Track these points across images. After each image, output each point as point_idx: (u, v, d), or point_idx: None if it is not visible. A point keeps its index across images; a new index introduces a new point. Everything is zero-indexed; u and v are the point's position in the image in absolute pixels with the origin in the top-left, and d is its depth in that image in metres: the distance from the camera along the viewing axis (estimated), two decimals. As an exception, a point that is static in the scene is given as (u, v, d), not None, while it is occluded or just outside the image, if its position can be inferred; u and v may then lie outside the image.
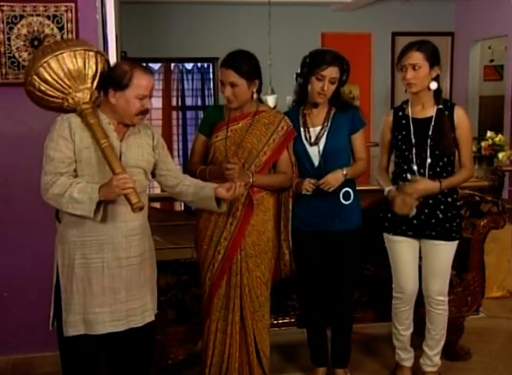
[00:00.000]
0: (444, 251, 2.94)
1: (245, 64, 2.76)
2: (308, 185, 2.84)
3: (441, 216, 2.90)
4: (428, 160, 2.87)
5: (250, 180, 2.77)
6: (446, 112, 2.87)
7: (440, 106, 2.88)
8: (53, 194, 2.30)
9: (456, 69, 8.64)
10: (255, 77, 2.79)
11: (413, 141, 2.90)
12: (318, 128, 2.94)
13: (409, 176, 2.90)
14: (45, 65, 2.31)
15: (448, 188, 2.90)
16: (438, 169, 2.89)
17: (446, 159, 2.89)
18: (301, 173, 2.94)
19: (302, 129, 2.96)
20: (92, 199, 2.25)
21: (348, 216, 2.97)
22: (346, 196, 2.93)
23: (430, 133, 2.87)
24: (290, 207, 2.95)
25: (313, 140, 2.94)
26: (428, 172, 2.88)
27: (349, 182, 2.93)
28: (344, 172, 2.86)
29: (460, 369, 3.34)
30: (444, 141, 2.85)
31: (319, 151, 2.92)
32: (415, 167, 2.90)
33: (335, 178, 2.84)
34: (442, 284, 2.99)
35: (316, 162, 2.93)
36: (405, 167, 2.94)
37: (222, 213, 2.80)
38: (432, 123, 2.87)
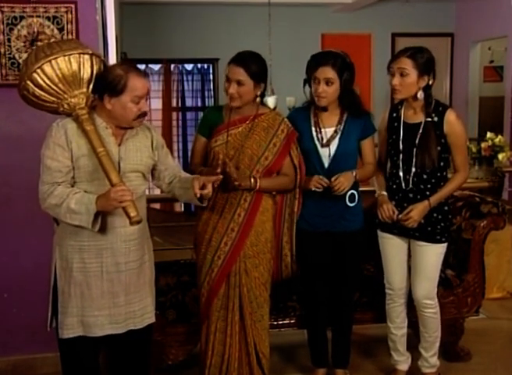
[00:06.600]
0: (429, 253, 2.94)
1: (255, 65, 2.74)
2: (318, 181, 2.84)
3: (422, 220, 2.89)
4: (413, 169, 2.87)
5: (253, 185, 2.74)
6: (436, 119, 2.84)
7: (428, 119, 2.85)
8: (50, 204, 2.28)
9: (456, 70, 8.64)
10: (262, 80, 2.78)
11: (400, 147, 2.91)
12: (331, 130, 2.93)
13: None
14: (39, 70, 2.25)
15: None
16: (424, 177, 2.88)
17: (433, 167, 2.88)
18: (310, 173, 2.92)
19: (314, 129, 2.95)
20: (89, 210, 2.23)
21: (352, 217, 2.98)
22: (352, 198, 2.94)
23: (417, 141, 2.86)
24: (296, 209, 2.94)
25: (325, 141, 2.93)
26: (412, 179, 2.88)
27: (353, 184, 2.93)
28: (354, 173, 2.88)
29: (460, 370, 3.34)
30: (426, 157, 2.83)
31: (330, 153, 2.92)
32: (401, 173, 2.91)
33: (347, 178, 2.85)
34: (428, 288, 2.98)
35: (326, 163, 2.93)
36: (394, 171, 2.96)
37: (222, 217, 2.79)
38: (420, 131, 2.86)
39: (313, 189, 2.86)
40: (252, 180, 2.75)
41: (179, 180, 2.58)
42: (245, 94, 2.74)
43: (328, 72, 2.82)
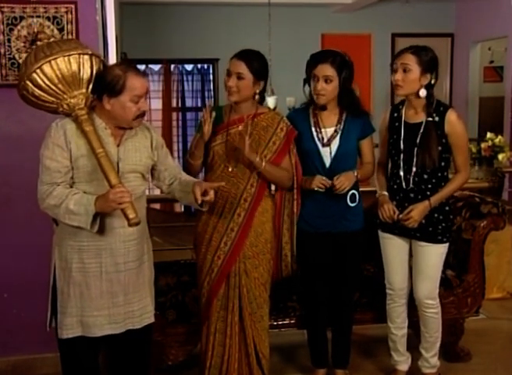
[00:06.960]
0: (430, 254, 2.94)
1: (257, 61, 2.77)
2: (320, 181, 2.84)
3: (423, 220, 2.90)
4: (414, 169, 2.87)
5: (259, 162, 2.74)
6: (437, 118, 2.84)
7: (429, 119, 2.85)
8: (49, 204, 2.28)
9: (456, 70, 8.64)
10: (262, 78, 2.79)
11: (401, 147, 2.91)
12: (331, 129, 2.94)
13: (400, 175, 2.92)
14: (38, 71, 2.24)
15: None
16: (425, 177, 2.88)
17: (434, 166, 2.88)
18: (311, 173, 2.93)
19: (314, 129, 2.96)
20: (88, 211, 2.23)
21: (353, 217, 2.99)
22: (353, 198, 2.95)
23: (418, 141, 2.86)
24: (295, 210, 2.94)
25: (325, 140, 2.94)
26: (413, 179, 2.88)
27: (354, 184, 2.94)
28: (355, 173, 2.89)
29: (460, 371, 3.34)
30: (426, 156, 2.84)
31: (331, 153, 2.93)
32: (402, 173, 2.91)
33: (348, 178, 2.85)
34: (430, 288, 2.99)
35: (328, 163, 2.94)
36: (394, 171, 2.96)
37: (222, 217, 2.80)
38: (421, 131, 2.86)
39: (316, 189, 2.86)
40: (258, 157, 2.75)
41: (180, 183, 2.57)
42: (244, 89, 2.75)
43: (327, 69, 2.82)
